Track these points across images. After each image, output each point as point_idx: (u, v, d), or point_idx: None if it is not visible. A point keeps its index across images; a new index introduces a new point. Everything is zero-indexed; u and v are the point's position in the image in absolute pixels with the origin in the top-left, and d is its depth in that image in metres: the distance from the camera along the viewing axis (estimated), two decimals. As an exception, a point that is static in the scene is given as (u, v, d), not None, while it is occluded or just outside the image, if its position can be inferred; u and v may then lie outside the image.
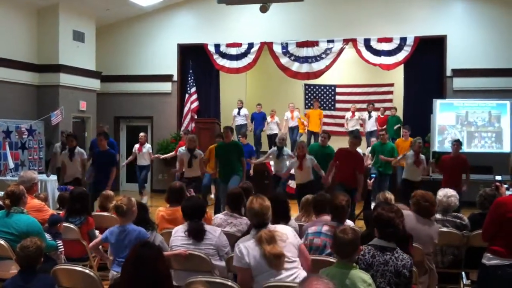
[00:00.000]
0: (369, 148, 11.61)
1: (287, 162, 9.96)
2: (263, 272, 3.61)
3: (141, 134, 12.37)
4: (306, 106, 15.99)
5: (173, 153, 12.17)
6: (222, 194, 9.07)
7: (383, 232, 3.61)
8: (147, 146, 12.30)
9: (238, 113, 14.41)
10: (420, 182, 9.78)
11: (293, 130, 14.64)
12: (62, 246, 5.15)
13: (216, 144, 9.96)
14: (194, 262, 4.29)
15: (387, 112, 14.02)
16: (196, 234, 4.41)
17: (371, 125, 14.01)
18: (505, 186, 4.74)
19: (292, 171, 9.53)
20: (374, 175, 10.74)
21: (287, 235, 3.72)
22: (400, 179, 10.61)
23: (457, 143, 9.59)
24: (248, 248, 3.66)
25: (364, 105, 15.09)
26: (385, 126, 13.60)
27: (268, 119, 14.61)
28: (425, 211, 4.67)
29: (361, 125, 14.37)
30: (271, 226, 3.78)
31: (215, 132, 13.18)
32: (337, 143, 10.19)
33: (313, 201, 5.31)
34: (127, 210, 4.48)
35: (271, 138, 14.61)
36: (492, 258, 3.92)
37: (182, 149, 9.98)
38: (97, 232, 5.79)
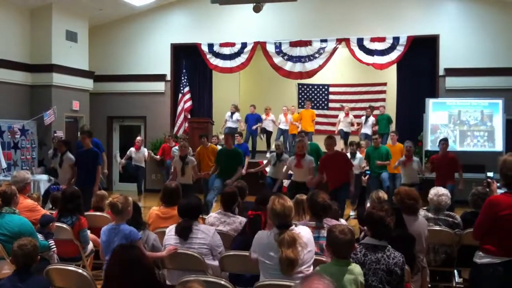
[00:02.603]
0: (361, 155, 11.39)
1: (285, 168, 9.64)
2: (271, 271, 3.64)
3: (138, 138, 12.32)
4: (300, 106, 16.00)
5: (157, 156, 12.70)
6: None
7: (374, 230, 3.64)
8: (144, 150, 12.32)
9: (231, 116, 14.18)
10: (417, 184, 9.70)
11: (283, 132, 14.50)
12: (54, 246, 5.14)
13: (218, 149, 10.18)
14: (187, 261, 4.27)
15: (376, 112, 13.92)
16: (181, 232, 4.38)
17: (366, 129, 13.69)
18: (497, 184, 4.73)
19: (289, 172, 9.41)
20: (369, 172, 10.68)
21: (306, 244, 3.70)
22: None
23: (445, 142, 9.59)
24: (262, 246, 3.73)
25: (357, 105, 15.07)
26: (376, 127, 13.48)
27: (263, 116, 14.52)
28: (410, 209, 4.68)
29: (354, 124, 14.26)
30: (296, 230, 3.75)
31: (208, 132, 13.18)
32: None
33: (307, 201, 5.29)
34: (122, 208, 4.41)
35: (266, 134, 14.58)
36: (484, 256, 3.93)
37: (174, 149, 10.17)
38: (88, 232, 5.77)
